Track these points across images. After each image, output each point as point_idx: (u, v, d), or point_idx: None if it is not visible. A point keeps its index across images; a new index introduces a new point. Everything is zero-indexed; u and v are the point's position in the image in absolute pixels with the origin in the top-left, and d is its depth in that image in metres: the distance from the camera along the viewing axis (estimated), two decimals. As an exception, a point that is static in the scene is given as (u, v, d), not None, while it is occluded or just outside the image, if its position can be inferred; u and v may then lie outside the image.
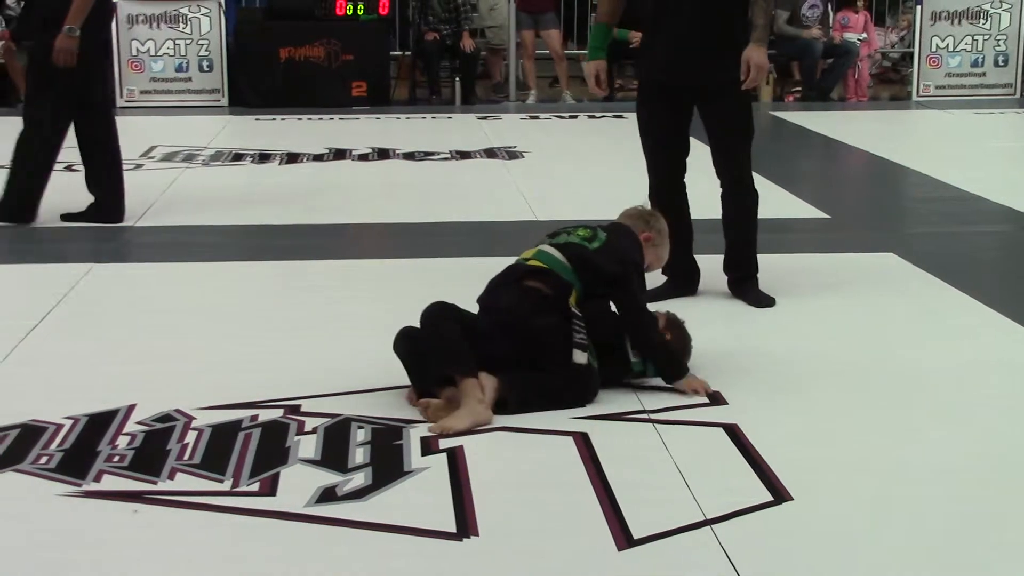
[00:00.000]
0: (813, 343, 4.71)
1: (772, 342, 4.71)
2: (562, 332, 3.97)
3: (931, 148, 10.28)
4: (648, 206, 4.72)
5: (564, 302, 4.03)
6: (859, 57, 13.18)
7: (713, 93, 5.04)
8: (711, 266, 5.32)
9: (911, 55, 13.71)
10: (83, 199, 6.93)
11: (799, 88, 13.42)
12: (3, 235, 6.69)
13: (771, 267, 5.42)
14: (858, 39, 13.18)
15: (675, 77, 5.02)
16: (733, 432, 3.77)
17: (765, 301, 5.16)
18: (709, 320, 4.88)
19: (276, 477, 3.44)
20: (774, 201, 7.59)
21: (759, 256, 5.28)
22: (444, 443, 3.67)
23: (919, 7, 13.28)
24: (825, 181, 9.14)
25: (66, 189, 7.17)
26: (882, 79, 14.84)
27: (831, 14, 13.40)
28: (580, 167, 8.79)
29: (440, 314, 4.00)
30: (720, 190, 5.25)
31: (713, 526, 3.15)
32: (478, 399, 3.81)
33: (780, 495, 3.34)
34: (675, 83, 5.03)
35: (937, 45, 13.31)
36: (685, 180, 5.25)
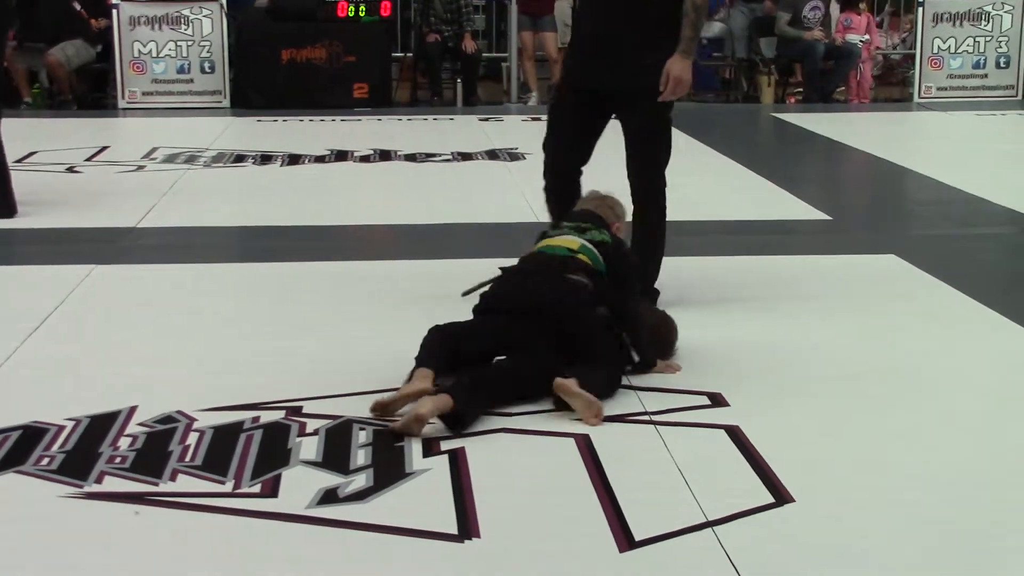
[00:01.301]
0: (814, 345, 4.71)
1: (773, 344, 4.71)
2: (608, 325, 4.14)
3: (933, 150, 10.28)
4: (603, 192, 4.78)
5: (599, 296, 4.18)
6: (861, 59, 13.15)
7: (627, 99, 4.89)
8: (707, 269, 5.31)
9: (913, 56, 13.70)
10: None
11: (800, 90, 13.42)
12: (4, 237, 6.70)
13: (772, 268, 5.42)
14: (860, 40, 13.14)
15: (589, 80, 4.91)
16: (735, 434, 3.77)
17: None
18: (709, 323, 4.88)
19: (278, 479, 3.44)
20: (776, 203, 7.60)
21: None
22: (446, 445, 3.67)
23: (920, 9, 13.28)
24: (827, 183, 9.13)
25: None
26: (883, 80, 14.84)
27: (832, 15, 13.38)
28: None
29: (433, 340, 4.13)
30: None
31: (715, 528, 3.15)
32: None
33: (782, 497, 3.34)
34: (588, 86, 4.92)
35: (938, 47, 13.30)
36: (581, 182, 5.12)
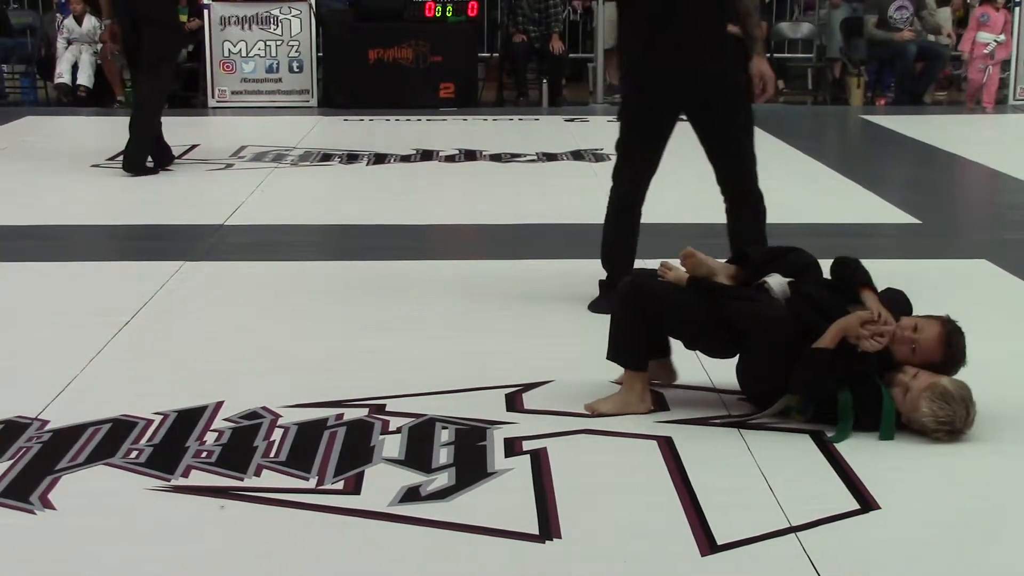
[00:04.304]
0: (902, 350, 4.63)
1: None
2: None
3: (1018, 151, 10.08)
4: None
5: None
6: (993, 60, 12.28)
7: (713, 100, 4.89)
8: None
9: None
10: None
11: (891, 92, 13.19)
12: (96, 233, 6.81)
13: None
14: (996, 40, 12.25)
15: (673, 85, 4.88)
16: (820, 439, 3.72)
17: None
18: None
19: (360, 476, 3.47)
20: (863, 205, 7.51)
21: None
22: (528, 445, 3.67)
23: (1018, 9, 12.98)
24: (916, 186, 9.00)
25: None
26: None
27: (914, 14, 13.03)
28: (665, 169, 8.72)
29: (633, 297, 3.97)
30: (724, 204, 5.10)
31: (798, 533, 3.12)
32: (635, 391, 3.93)
33: (867, 503, 3.30)
34: (670, 92, 4.90)
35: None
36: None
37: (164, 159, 8.56)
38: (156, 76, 8.27)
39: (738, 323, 3.83)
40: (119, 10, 8.11)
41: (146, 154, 8.39)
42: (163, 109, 8.53)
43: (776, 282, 3.96)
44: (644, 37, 4.89)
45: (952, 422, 3.66)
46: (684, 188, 6.89)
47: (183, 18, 8.38)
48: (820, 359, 3.72)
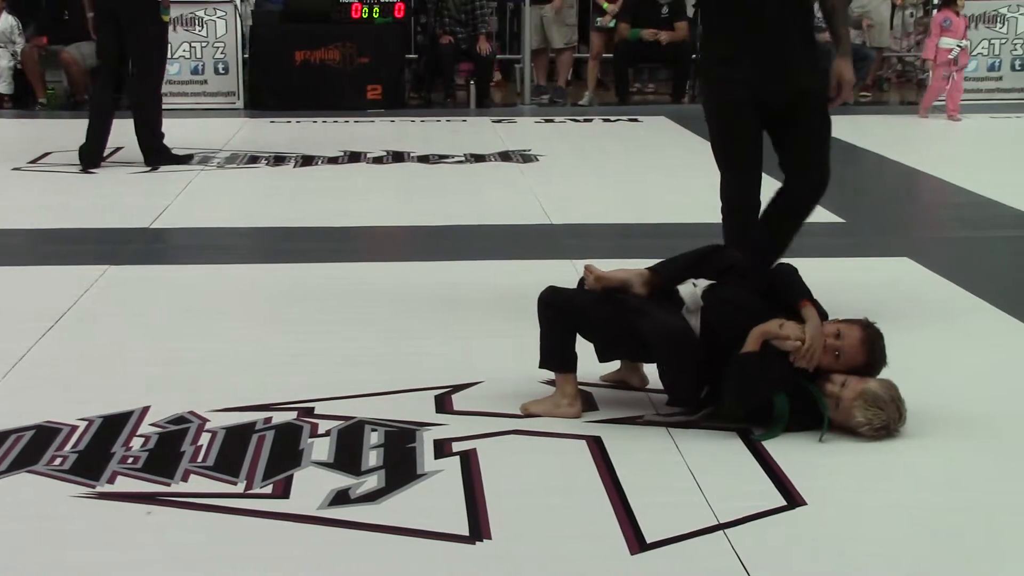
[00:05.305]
0: (827, 348, 4.69)
1: (786, 346, 4.69)
2: None
3: (947, 153, 10.25)
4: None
5: None
6: (957, 67, 11.86)
7: (803, 101, 4.78)
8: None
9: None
10: None
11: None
12: (18, 237, 6.72)
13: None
14: (958, 45, 11.85)
15: (768, 88, 4.73)
16: (748, 437, 3.76)
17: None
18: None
19: (290, 479, 3.45)
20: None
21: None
22: (457, 446, 3.67)
23: (936, 12, 13.18)
24: (841, 186, 9.08)
25: None
26: (900, 82, 14.79)
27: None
28: (595, 171, 8.78)
29: (551, 305, 3.98)
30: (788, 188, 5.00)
31: (726, 530, 3.15)
32: (565, 395, 3.94)
33: (793, 500, 3.34)
34: (766, 95, 4.74)
35: (954, 49, 13.17)
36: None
37: (97, 159, 8.64)
38: (148, 74, 8.58)
39: (642, 337, 3.84)
40: (99, 8, 8.47)
41: (157, 143, 8.70)
42: (159, 99, 8.85)
43: (687, 291, 3.96)
44: (735, 38, 4.75)
45: (887, 425, 3.72)
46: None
47: (165, 18, 8.60)
48: (750, 363, 3.74)
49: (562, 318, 3.94)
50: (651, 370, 4.08)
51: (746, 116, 4.82)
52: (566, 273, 4.90)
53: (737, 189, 4.92)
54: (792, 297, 3.88)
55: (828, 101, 4.81)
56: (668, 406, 3.99)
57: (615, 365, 4.22)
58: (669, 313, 3.88)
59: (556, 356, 3.97)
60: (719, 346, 3.79)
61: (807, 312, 3.83)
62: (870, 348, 3.83)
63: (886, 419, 3.71)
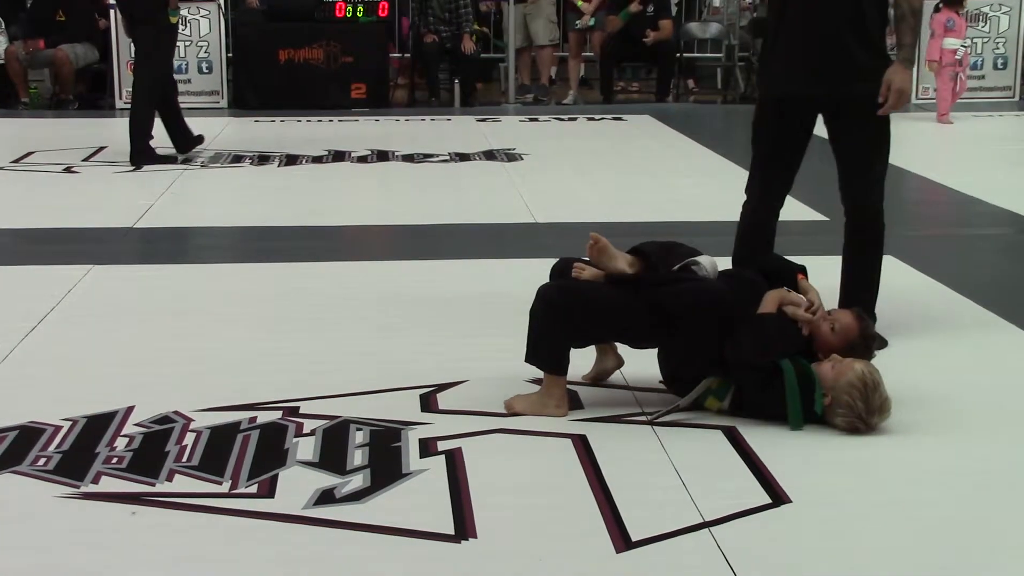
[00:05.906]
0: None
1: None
2: None
3: (929, 151, 10.27)
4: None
5: None
6: (962, 67, 11.67)
7: (848, 105, 4.56)
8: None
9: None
10: None
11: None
12: (2, 237, 6.70)
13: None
14: (962, 45, 11.63)
15: (806, 87, 4.52)
16: (732, 435, 3.77)
17: (878, 343, 4.33)
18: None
19: (275, 479, 3.45)
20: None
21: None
22: (443, 445, 3.68)
23: (936, 12, 13.16)
24: (823, 183, 9.10)
25: None
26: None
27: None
28: (579, 169, 8.79)
29: (559, 299, 3.92)
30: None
31: (711, 528, 3.16)
32: (553, 396, 3.92)
33: (779, 497, 3.35)
34: (804, 94, 4.54)
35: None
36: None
37: (191, 141, 9.13)
38: (146, 71, 8.77)
39: (671, 306, 3.84)
40: (119, 9, 9.03)
41: (143, 144, 8.71)
42: (155, 100, 8.87)
43: (708, 260, 4.03)
44: (775, 29, 4.57)
45: (865, 412, 3.76)
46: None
47: (173, 19, 8.81)
48: (768, 322, 3.87)
49: (571, 312, 3.89)
50: (625, 351, 4.10)
51: (768, 115, 4.66)
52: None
53: (748, 189, 4.86)
54: (791, 271, 4.11)
55: (878, 108, 4.52)
56: (659, 393, 4.01)
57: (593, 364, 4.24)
58: (696, 278, 3.96)
59: (551, 356, 3.94)
60: (730, 318, 3.87)
61: (804, 284, 4.03)
62: (863, 324, 4.02)
63: (864, 408, 3.75)
